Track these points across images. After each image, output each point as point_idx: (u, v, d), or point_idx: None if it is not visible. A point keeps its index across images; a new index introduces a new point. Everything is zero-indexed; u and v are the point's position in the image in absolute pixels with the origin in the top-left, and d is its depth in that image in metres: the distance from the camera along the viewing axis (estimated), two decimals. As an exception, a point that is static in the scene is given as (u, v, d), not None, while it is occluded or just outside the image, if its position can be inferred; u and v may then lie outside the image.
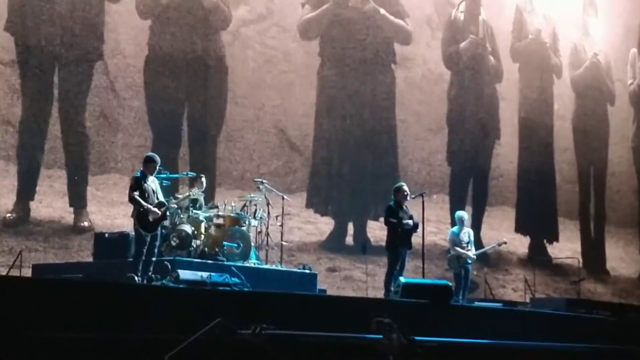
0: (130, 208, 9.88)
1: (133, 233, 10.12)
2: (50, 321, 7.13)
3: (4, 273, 11.04)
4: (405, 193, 11.34)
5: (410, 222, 11.11)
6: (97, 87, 13.55)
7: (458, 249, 12.45)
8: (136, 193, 9.71)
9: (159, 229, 9.88)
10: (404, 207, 11.32)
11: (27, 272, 11.11)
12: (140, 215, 9.71)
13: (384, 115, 16.53)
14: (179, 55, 14.36)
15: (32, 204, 12.80)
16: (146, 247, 9.68)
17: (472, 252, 12.53)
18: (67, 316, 7.26)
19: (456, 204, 16.51)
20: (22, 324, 6.96)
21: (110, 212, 12.79)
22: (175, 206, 10.75)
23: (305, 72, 15.75)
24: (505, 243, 14.70)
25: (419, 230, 11.35)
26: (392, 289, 10.63)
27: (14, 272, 10.87)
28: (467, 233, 12.64)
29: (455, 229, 12.75)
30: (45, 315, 7.16)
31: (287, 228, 12.90)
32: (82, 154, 13.29)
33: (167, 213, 10.23)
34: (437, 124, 17.21)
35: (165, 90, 14.21)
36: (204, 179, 11.67)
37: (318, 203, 15.50)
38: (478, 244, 14.78)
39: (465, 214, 13.01)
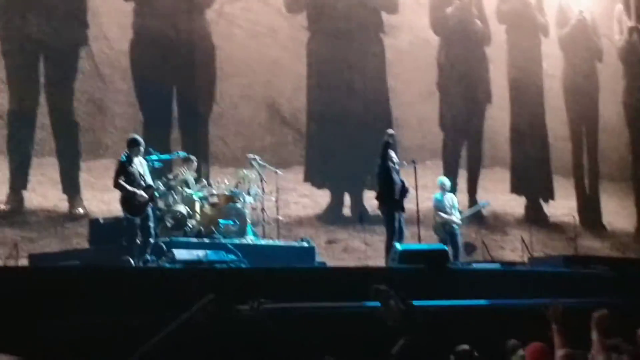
0: (121, 192, 9.89)
1: (126, 218, 10.11)
2: (51, 309, 7.15)
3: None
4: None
5: None
6: (83, 73, 13.46)
7: (442, 214, 12.60)
8: (122, 178, 9.72)
9: (150, 210, 9.89)
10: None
11: (24, 263, 11.10)
12: (125, 199, 9.74)
13: (376, 85, 16.46)
14: (164, 35, 14.26)
15: (25, 194, 12.75)
16: (139, 230, 9.70)
17: (456, 217, 12.68)
18: (67, 303, 7.28)
19: (450, 169, 16.54)
20: (25, 313, 6.99)
21: (104, 197, 12.74)
22: (163, 187, 10.74)
23: (292, 46, 15.64)
24: (488, 205, 14.96)
25: (413, 196, 11.43)
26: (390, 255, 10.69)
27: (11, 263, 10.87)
28: (450, 198, 12.77)
29: (438, 194, 12.86)
30: (46, 304, 7.19)
31: (283, 203, 12.91)
32: (72, 140, 13.23)
33: (156, 195, 10.24)
34: (427, 89, 17.15)
35: (152, 72, 14.10)
36: (195, 160, 11.68)
37: (314, 176, 15.49)
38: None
39: (447, 180, 13.13)
